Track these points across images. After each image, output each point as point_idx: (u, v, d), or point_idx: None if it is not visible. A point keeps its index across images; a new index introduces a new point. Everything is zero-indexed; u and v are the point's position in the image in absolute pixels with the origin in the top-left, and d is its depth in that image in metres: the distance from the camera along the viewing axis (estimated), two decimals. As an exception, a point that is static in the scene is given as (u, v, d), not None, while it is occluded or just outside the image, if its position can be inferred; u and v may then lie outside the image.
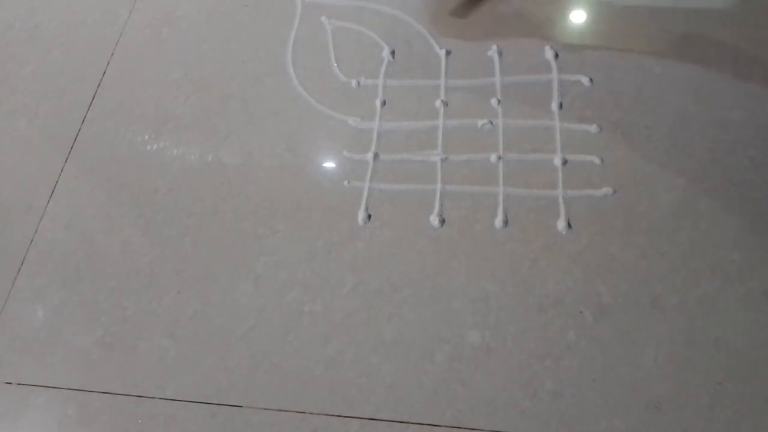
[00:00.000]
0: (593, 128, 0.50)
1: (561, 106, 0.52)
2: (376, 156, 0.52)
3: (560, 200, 0.47)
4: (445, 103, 0.53)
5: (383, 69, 0.56)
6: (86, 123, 0.58)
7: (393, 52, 0.57)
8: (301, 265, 0.47)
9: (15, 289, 0.49)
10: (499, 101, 0.53)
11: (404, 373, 0.42)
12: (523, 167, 0.49)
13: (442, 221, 0.48)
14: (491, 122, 0.52)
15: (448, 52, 0.56)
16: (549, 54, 0.55)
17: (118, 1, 0.66)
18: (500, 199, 0.48)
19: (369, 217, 0.49)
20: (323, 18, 0.61)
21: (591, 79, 0.53)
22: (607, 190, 0.47)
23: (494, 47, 0.56)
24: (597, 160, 0.49)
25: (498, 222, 0.47)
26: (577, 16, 0.57)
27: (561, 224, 0.46)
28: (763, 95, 0.50)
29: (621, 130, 0.50)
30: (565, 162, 0.49)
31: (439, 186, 0.49)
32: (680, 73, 0.52)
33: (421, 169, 0.50)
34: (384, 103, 0.54)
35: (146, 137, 0.56)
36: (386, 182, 0.50)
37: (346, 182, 0.51)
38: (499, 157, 0.50)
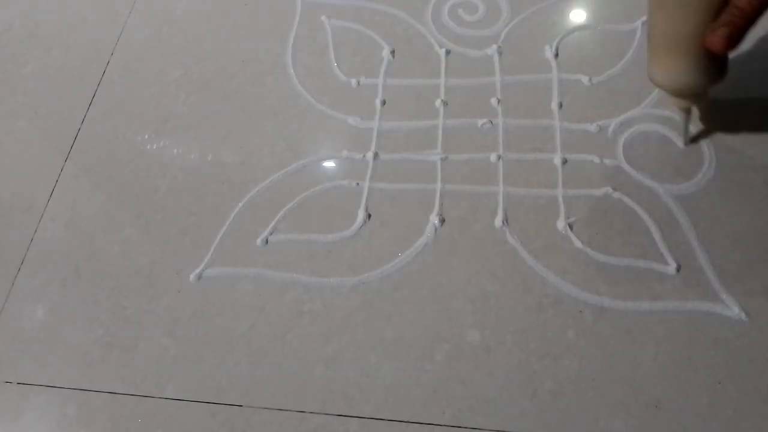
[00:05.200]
0: (593, 128, 0.50)
1: (561, 105, 0.52)
2: (376, 155, 0.52)
3: (560, 200, 0.47)
4: (445, 103, 0.53)
5: (383, 68, 0.56)
6: (86, 122, 0.58)
7: (393, 52, 0.57)
8: (301, 265, 0.47)
9: (15, 289, 0.49)
10: (498, 101, 0.53)
11: (404, 373, 0.42)
12: (523, 167, 0.49)
13: (442, 220, 0.48)
14: (491, 122, 0.52)
15: (447, 52, 0.56)
16: (549, 53, 0.55)
17: (118, 1, 0.66)
18: (500, 198, 0.48)
19: (369, 216, 0.49)
20: (323, 17, 0.61)
21: (591, 79, 0.53)
22: (607, 189, 0.47)
23: (494, 46, 0.56)
24: (597, 160, 0.49)
25: (498, 221, 0.47)
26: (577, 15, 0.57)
27: (561, 224, 0.46)
28: (761, 105, 0.50)
29: (620, 129, 0.50)
30: (564, 161, 0.49)
31: (438, 185, 0.49)
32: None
33: (421, 169, 0.50)
34: (384, 102, 0.54)
35: (146, 137, 0.56)
36: (386, 181, 0.50)
37: (345, 181, 0.51)
38: (499, 157, 0.50)
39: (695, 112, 0.48)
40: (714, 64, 0.40)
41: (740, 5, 0.37)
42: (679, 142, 0.49)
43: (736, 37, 0.38)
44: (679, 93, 0.44)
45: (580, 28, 0.56)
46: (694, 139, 0.49)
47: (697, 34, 0.38)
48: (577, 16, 0.57)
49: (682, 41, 0.39)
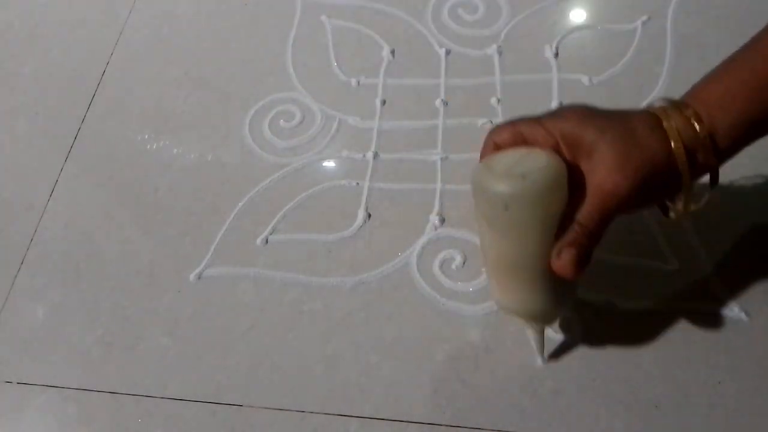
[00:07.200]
0: (593, 127, 0.50)
1: (561, 105, 0.52)
2: (375, 155, 0.52)
3: (560, 200, 0.47)
4: (445, 103, 0.53)
5: (383, 68, 0.56)
6: (86, 122, 0.58)
7: (393, 51, 0.57)
8: (301, 265, 0.47)
9: (15, 289, 0.49)
10: (498, 100, 0.53)
11: (404, 373, 0.42)
12: (523, 167, 0.49)
13: (442, 220, 0.48)
14: (491, 121, 0.52)
15: (447, 52, 0.56)
16: (549, 53, 0.55)
17: (118, 1, 0.66)
18: (500, 198, 0.48)
19: (369, 216, 0.49)
20: (323, 17, 0.61)
21: (591, 79, 0.53)
22: (607, 189, 0.47)
23: (494, 46, 0.56)
24: (597, 160, 0.49)
25: (498, 221, 0.47)
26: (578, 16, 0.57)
27: (561, 224, 0.46)
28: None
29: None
30: (565, 161, 0.49)
31: (438, 185, 0.49)
32: (681, 73, 0.52)
33: (420, 169, 0.50)
34: (384, 102, 0.54)
35: (146, 136, 0.56)
36: (386, 181, 0.50)
37: (345, 181, 0.51)
38: (499, 157, 0.50)
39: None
40: (564, 283, 0.35)
41: (584, 222, 0.33)
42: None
43: (584, 258, 0.34)
44: (531, 318, 0.38)
45: (580, 27, 0.56)
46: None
47: (539, 257, 0.34)
48: (577, 15, 0.57)
49: (524, 265, 0.34)
